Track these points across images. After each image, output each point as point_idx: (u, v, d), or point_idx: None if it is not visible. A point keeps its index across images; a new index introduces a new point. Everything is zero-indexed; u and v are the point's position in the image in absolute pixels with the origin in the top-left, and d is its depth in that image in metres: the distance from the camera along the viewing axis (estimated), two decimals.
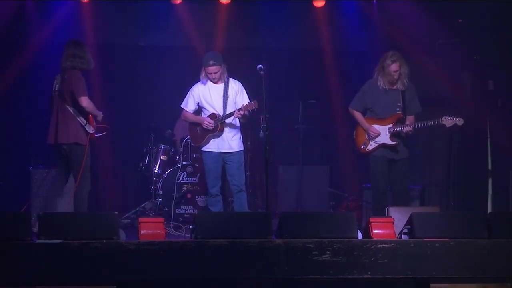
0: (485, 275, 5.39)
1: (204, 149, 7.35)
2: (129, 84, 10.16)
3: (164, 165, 9.19)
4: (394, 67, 7.22)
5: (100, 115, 7.11)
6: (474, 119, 9.65)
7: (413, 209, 6.17)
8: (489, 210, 9.17)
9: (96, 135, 7.10)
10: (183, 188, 8.87)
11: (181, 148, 9.21)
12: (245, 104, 7.10)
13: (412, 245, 5.44)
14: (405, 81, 7.28)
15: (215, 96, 7.28)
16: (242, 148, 7.36)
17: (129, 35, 10.03)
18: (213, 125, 7.22)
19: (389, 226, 5.81)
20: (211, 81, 7.28)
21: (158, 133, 9.48)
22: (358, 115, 7.46)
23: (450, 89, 9.63)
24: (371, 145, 7.35)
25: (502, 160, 9.32)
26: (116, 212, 5.63)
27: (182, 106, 7.46)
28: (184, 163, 9.00)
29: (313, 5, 10.06)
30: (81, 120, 6.97)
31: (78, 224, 5.42)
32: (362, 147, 7.41)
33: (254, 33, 10.08)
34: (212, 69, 7.19)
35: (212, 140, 7.27)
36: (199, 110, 7.44)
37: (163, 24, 10.01)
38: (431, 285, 5.34)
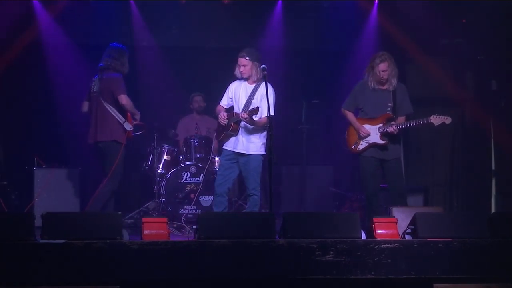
0: (488, 275, 5.38)
1: (223, 146, 7.35)
2: (132, 84, 10.14)
3: (167, 165, 9.19)
4: (382, 66, 7.25)
5: (138, 114, 7.37)
6: (477, 119, 9.66)
7: (417, 209, 6.16)
8: (493, 210, 9.19)
9: (133, 134, 7.30)
10: (187, 188, 8.87)
11: (184, 148, 9.22)
12: (250, 109, 7.01)
13: (415, 245, 5.43)
14: (393, 81, 7.31)
15: (242, 95, 7.23)
16: (259, 153, 7.19)
17: (131, 35, 10.02)
18: (226, 121, 7.19)
19: (392, 226, 5.81)
20: (240, 74, 7.20)
21: (161, 133, 9.48)
22: (350, 115, 7.51)
23: (453, 89, 9.62)
24: (362, 145, 7.38)
25: (506, 160, 9.32)
26: (119, 212, 5.63)
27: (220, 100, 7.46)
28: (187, 163, 9.01)
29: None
30: (119, 117, 7.11)
31: (81, 224, 5.41)
32: (353, 146, 7.45)
33: (256, 33, 10.07)
34: (242, 60, 7.13)
35: (230, 139, 7.24)
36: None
37: (165, 24, 10.02)
38: (434, 285, 5.33)
